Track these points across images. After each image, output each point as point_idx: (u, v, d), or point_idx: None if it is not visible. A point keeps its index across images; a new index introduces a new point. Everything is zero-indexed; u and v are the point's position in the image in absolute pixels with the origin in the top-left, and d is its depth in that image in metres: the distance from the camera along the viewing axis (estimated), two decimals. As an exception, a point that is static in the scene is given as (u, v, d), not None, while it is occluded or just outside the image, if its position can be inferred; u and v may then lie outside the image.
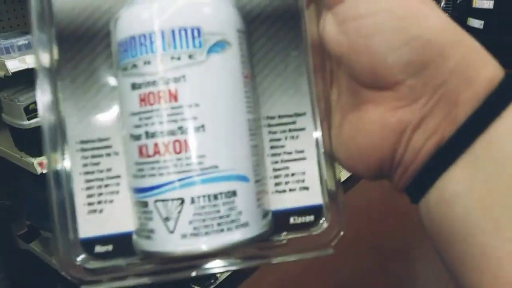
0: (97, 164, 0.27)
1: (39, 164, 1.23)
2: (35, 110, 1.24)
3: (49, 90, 0.27)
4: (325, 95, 0.28)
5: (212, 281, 1.48)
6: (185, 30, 0.24)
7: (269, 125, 0.28)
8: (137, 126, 0.25)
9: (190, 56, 0.24)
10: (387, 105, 0.24)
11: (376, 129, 0.25)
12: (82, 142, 0.27)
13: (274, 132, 0.28)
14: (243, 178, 0.25)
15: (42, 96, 0.27)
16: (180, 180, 0.24)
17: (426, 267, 0.66)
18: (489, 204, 0.22)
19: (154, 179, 0.24)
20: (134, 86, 0.25)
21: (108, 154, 0.27)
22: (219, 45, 0.25)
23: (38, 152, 1.24)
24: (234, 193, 0.25)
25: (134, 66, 0.25)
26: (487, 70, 0.23)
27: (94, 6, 0.27)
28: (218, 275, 1.49)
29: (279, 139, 0.28)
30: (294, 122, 0.28)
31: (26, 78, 1.28)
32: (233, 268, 0.26)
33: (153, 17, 0.25)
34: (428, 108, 0.24)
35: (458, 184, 0.23)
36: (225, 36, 0.25)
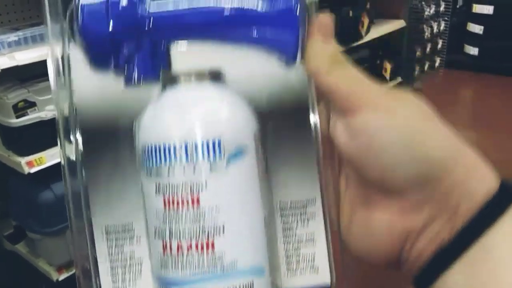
0: (120, 249, 0.29)
1: (27, 164, 1.21)
2: (24, 108, 1.22)
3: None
4: (334, 183, 0.31)
5: None
6: (207, 142, 0.26)
7: (281, 210, 0.30)
8: (161, 225, 0.27)
9: (211, 166, 0.26)
10: (394, 211, 0.27)
11: (384, 233, 0.28)
12: (106, 228, 0.29)
13: (286, 218, 0.30)
14: (259, 271, 0.27)
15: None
16: (201, 276, 0.26)
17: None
18: None
19: (178, 273, 0.26)
20: (158, 190, 0.27)
21: (131, 239, 0.29)
22: (238, 153, 0.27)
23: (26, 151, 1.22)
24: (251, 286, 0.27)
25: (158, 172, 0.27)
26: (484, 182, 0.26)
27: (117, 103, 0.29)
28: None
29: (290, 224, 0.30)
30: (305, 208, 0.30)
31: (16, 76, 1.26)
32: None
33: (177, 130, 0.27)
34: (431, 217, 0.26)
35: (457, 283, 0.25)
36: (244, 143, 0.27)
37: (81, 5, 0.27)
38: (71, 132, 0.29)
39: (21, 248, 1.45)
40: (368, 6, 1.96)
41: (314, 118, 0.30)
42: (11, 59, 1.15)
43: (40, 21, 1.28)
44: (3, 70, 1.11)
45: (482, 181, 0.26)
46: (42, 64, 1.18)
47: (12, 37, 1.19)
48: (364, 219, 0.29)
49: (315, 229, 0.30)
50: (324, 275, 0.30)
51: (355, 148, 0.27)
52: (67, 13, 0.28)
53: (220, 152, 0.26)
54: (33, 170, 1.21)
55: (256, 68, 0.30)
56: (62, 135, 0.29)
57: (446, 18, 2.52)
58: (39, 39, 1.22)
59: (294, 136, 0.30)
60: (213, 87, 0.28)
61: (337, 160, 0.30)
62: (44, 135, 1.21)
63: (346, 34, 1.85)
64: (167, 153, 0.26)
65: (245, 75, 0.30)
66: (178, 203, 0.26)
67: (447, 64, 2.64)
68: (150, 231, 0.28)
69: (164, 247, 0.27)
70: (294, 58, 0.28)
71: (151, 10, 0.28)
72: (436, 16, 2.46)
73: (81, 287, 0.29)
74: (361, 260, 0.29)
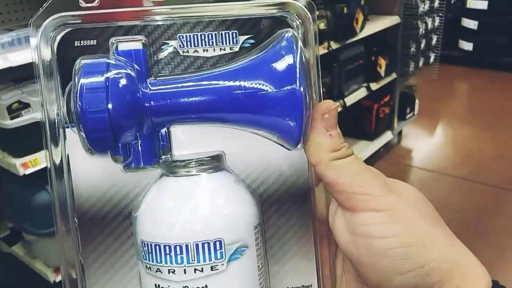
0: None
1: (21, 165, 1.20)
2: (18, 109, 1.21)
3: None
4: (331, 266, 0.31)
5: None
6: (208, 244, 0.26)
7: None
8: None
9: (212, 268, 0.26)
10: None
11: None
12: None
13: None
14: None
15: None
16: None
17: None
18: None
19: None
20: None
21: None
22: (239, 252, 0.27)
23: (21, 153, 1.22)
24: None
25: (158, 270, 0.26)
26: (479, 286, 0.26)
27: (114, 190, 0.28)
28: None
29: None
30: None
31: (9, 77, 1.25)
32: None
33: (177, 231, 0.26)
34: None
35: None
36: (244, 241, 0.27)
37: (81, 84, 0.25)
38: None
39: (17, 250, 1.44)
40: (362, 2, 1.96)
41: (312, 200, 0.30)
42: (5, 60, 1.14)
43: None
44: (-3, 71, 1.11)
45: (477, 285, 0.26)
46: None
47: (6, 38, 1.18)
48: None
49: None
50: None
51: (355, 248, 0.27)
52: (65, 94, 0.27)
53: (221, 253, 0.26)
54: (28, 172, 1.20)
55: (258, 148, 0.29)
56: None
57: (440, 14, 2.53)
58: (32, 40, 1.21)
59: (293, 219, 0.30)
60: (214, 178, 0.28)
61: (333, 242, 0.30)
62: (38, 136, 1.20)
63: (340, 31, 1.85)
64: (167, 254, 0.26)
65: (247, 156, 0.29)
66: None
67: (442, 60, 2.64)
68: None
69: None
70: (297, 143, 0.27)
71: (152, 91, 0.27)
72: (431, 12, 2.46)
73: None
74: None
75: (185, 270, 0.26)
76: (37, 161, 1.21)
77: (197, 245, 0.26)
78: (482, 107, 3.12)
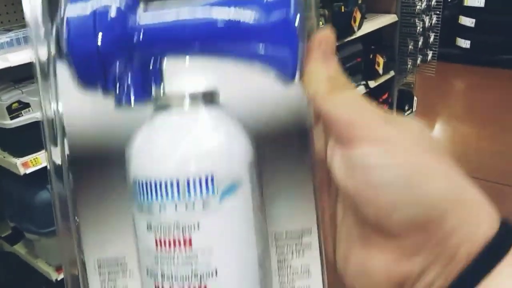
0: (113, 282, 0.29)
1: (22, 165, 1.21)
2: (18, 109, 1.21)
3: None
4: (330, 211, 0.30)
5: None
6: (200, 179, 0.25)
7: (276, 241, 0.29)
8: (153, 265, 0.26)
9: (204, 204, 0.25)
10: (391, 254, 0.26)
11: (381, 278, 0.26)
12: (99, 261, 0.28)
13: (281, 248, 0.29)
14: None
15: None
16: None
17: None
18: None
19: None
20: (150, 228, 0.26)
21: (124, 273, 0.29)
22: (232, 188, 0.26)
23: (22, 152, 1.22)
24: None
25: (149, 209, 0.25)
26: (485, 226, 0.24)
27: (108, 128, 0.28)
28: None
29: (285, 255, 0.29)
30: (300, 238, 0.29)
31: (9, 77, 1.25)
32: None
33: (167, 165, 0.25)
34: (428, 261, 0.25)
35: None
36: (238, 177, 0.26)
37: (67, 18, 0.25)
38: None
39: (19, 249, 1.45)
40: (360, 1, 1.97)
41: (311, 142, 0.29)
42: (4, 60, 1.14)
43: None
44: (-4, 71, 1.11)
45: (483, 222, 0.24)
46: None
47: (5, 38, 1.18)
48: (361, 258, 0.27)
49: (310, 261, 0.29)
50: None
51: (353, 184, 0.25)
52: (53, 27, 0.27)
53: (213, 188, 0.25)
54: (28, 171, 1.21)
55: (253, 86, 0.28)
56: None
57: (437, 12, 2.53)
58: (32, 40, 1.22)
59: (291, 160, 0.29)
60: (207, 113, 0.27)
61: (334, 187, 0.29)
62: (39, 135, 1.21)
63: (338, 29, 1.85)
64: (158, 190, 0.25)
65: (242, 93, 0.28)
66: (170, 244, 0.25)
67: (440, 57, 2.65)
68: (142, 267, 0.27)
69: (156, 287, 0.26)
70: (293, 76, 0.26)
71: (142, 22, 0.26)
72: (428, 10, 2.47)
73: None
74: None
75: (176, 206, 0.25)
76: (38, 160, 1.22)
77: (188, 181, 0.25)
78: (479, 104, 3.13)
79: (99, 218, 0.28)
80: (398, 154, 0.25)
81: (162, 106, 0.27)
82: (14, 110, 1.21)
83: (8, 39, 1.19)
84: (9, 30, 1.23)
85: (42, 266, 1.37)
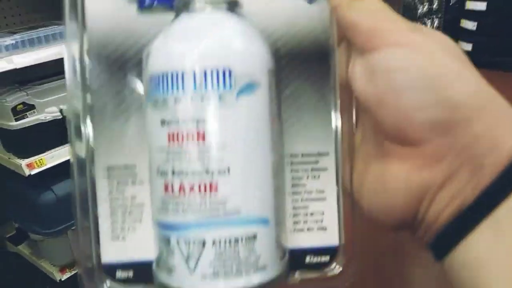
0: (122, 191, 0.28)
1: (27, 166, 1.21)
2: (23, 111, 1.23)
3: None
4: (349, 137, 0.28)
5: None
6: (217, 71, 0.24)
7: (292, 163, 0.28)
8: (164, 163, 0.25)
9: (220, 98, 0.24)
10: (411, 163, 0.24)
11: (400, 188, 0.25)
12: (109, 168, 0.28)
13: (296, 171, 0.28)
14: (264, 222, 0.26)
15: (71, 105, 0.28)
16: (203, 221, 0.24)
17: (418, 268, 0.65)
18: (511, 274, 0.22)
19: (178, 217, 0.25)
20: (163, 123, 0.25)
21: (133, 182, 0.28)
22: (250, 87, 0.25)
23: (27, 154, 1.23)
24: (254, 237, 0.25)
25: (164, 102, 0.25)
26: None
27: (127, 33, 0.27)
28: None
29: (300, 178, 0.28)
30: (316, 162, 0.28)
31: (14, 79, 1.26)
32: None
33: (185, 56, 0.25)
34: (452, 169, 0.23)
35: (480, 249, 0.23)
36: (256, 78, 0.25)
37: None
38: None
39: (23, 249, 1.46)
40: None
41: (334, 63, 0.28)
42: (9, 62, 1.15)
43: (37, 25, 1.29)
44: (1, 73, 1.12)
45: (510, 133, 0.23)
46: (40, 67, 1.19)
47: (9, 40, 1.20)
48: (378, 173, 0.26)
49: (325, 185, 0.28)
50: (332, 235, 0.28)
51: (372, 88, 0.24)
52: None
53: (230, 83, 0.24)
54: (33, 172, 1.22)
55: (277, 2, 0.27)
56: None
57: (439, 15, 2.54)
58: (36, 43, 1.23)
59: (311, 81, 0.28)
60: (229, 16, 0.26)
61: (354, 111, 0.28)
62: (43, 137, 1.22)
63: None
64: (175, 82, 0.24)
65: (264, 8, 0.27)
66: (183, 138, 0.24)
67: (442, 60, 2.65)
68: (152, 171, 0.26)
69: (166, 187, 0.25)
70: None
71: None
72: (430, 13, 2.48)
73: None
74: (373, 221, 0.27)
75: (191, 98, 0.24)
76: (43, 161, 1.23)
77: (205, 72, 0.24)
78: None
79: (112, 125, 0.28)
80: (422, 57, 0.23)
81: (184, 8, 0.26)
82: (19, 112, 1.22)
83: (13, 42, 1.20)
84: (14, 33, 1.24)
85: (46, 267, 1.37)
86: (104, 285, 0.28)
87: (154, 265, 0.27)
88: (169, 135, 0.25)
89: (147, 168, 0.27)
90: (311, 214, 0.28)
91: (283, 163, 0.28)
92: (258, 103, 0.25)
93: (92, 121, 0.27)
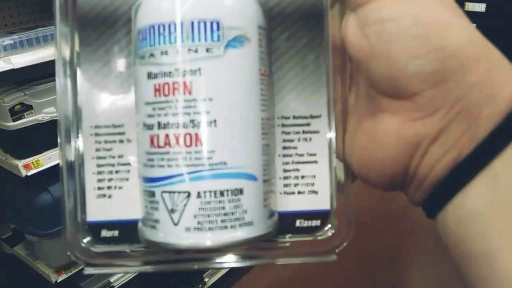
0: (109, 149, 0.27)
1: (24, 167, 1.21)
2: (21, 111, 1.22)
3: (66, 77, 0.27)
4: (342, 99, 0.28)
5: (200, 286, 1.47)
6: (204, 23, 0.24)
7: (283, 125, 0.28)
8: (150, 116, 0.25)
9: (208, 50, 0.24)
10: (404, 116, 0.24)
11: (391, 141, 0.24)
12: (96, 127, 0.27)
13: (288, 133, 0.28)
14: (251, 177, 0.25)
15: (59, 81, 0.27)
16: (188, 173, 0.24)
17: (415, 273, 0.65)
18: (510, 226, 0.21)
19: (163, 170, 0.25)
20: (150, 76, 0.25)
21: (121, 141, 0.27)
22: (238, 40, 0.25)
23: (24, 154, 1.23)
24: (240, 191, 0.25)
25: (152, 55, 0.25)
26: (509, 86, 0.22)
27: None
28: (206, 279, 1.48)
29: (292, 140, 0.28)
30: (308, 124, 0.28)
31: (12, 79, 1.26)
32: (235, 265, 0.27)
33: (173, 8, 0.24)
34: (447, 121, 0.23)
35: (477, 201, 0.22)
36: (245, 32, 0.25)
37: None
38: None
39: (19, 250, 1.45)
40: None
41: (327, 24, 0.27)
42: (7, 62, 1.15)
43: (35, 25, 1.29)
44: (-1, 73, 1.12)
45: (507, 85, 0.22)
46: (38, 67, 1.19)
47: (8, 40, 1.19)
48: (369, 129, 0.25)
49: (317, 148, 0.28)
50: (324, 199, 0.28)
51: (364, 40, 0.24)
52: None
53: (218, 36, 0.24)
54: (30, 173, 1.21)
55: None
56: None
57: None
58: (34, 43, 1.23)
59: (305, 42, 0.27)
60: None
61: (348, 73, 0.28)
62: (41, 138, 1.22)
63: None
64: (161, 34, 0.24)
65: None
66: (169, 90, 0.24)
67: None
68: (139, 126, 0.26)
69: (152, 140, 0.25)
70: None
71: None
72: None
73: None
74: (363, 181, 0.26)
75: (178, 50, 0.24)
76: (40, 162, 1.22)
77: (192, 23, 0.24)
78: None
79: (100, 84, 0.27)
80: (414, 7, 0.23)
81: None
82: (16, 112, 1.21)
83: (11, 42, 1.20)
84: (12, 33, 1.24)
85: (42, 268, 1.37)
86: (87, 242, 0.27)
87: (139, 224, 0.27)
88: (155, 88, 0.25)
89: (135, 127, 0.27)
90: (302, 177, 0.28)
91: (274, 124, 0.28)
92: (247, 57, 0.25)
93: (80, 80, 0.27)
